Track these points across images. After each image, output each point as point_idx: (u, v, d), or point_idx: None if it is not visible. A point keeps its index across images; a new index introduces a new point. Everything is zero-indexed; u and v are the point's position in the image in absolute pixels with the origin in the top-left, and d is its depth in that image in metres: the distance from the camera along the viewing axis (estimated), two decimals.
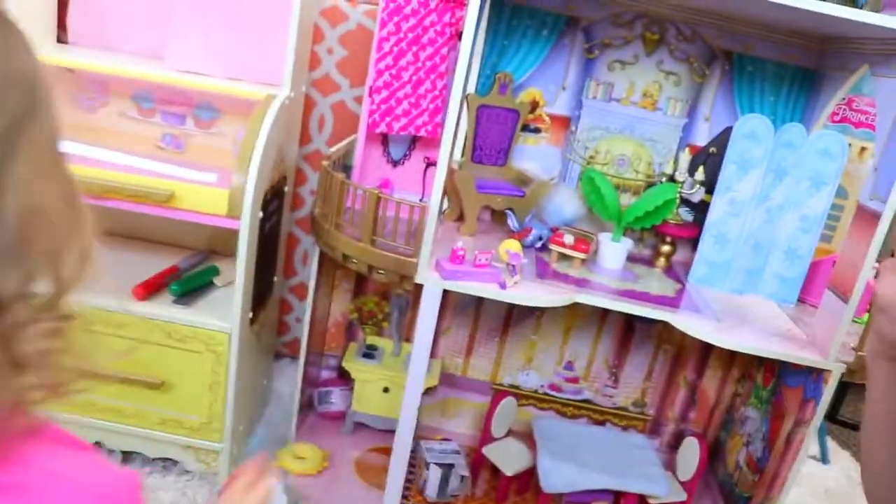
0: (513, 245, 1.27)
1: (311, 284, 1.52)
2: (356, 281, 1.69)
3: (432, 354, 1.68)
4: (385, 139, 1.58)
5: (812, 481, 1.98)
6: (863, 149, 1.45)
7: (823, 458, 2.11)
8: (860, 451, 0.88)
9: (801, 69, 1.52)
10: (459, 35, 1.49)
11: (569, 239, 1.40)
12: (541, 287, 1.29)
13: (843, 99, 1.48)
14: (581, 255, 1.40)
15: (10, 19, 0.47)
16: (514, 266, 1.26)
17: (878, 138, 1.23)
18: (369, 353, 1.66)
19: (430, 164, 1.59)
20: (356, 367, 1.63)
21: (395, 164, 1.60)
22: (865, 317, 1.74)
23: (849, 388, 2.42)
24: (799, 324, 1.37)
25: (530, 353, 1.70)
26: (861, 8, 1.34)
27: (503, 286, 1.25)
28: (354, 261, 1.31)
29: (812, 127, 1.49)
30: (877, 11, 1.26)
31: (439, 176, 1.22)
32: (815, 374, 1.29)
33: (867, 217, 1.21)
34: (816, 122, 1.48)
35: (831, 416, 2.45)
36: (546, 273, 1.36)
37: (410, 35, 1.43)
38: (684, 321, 1.27)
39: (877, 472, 0.85)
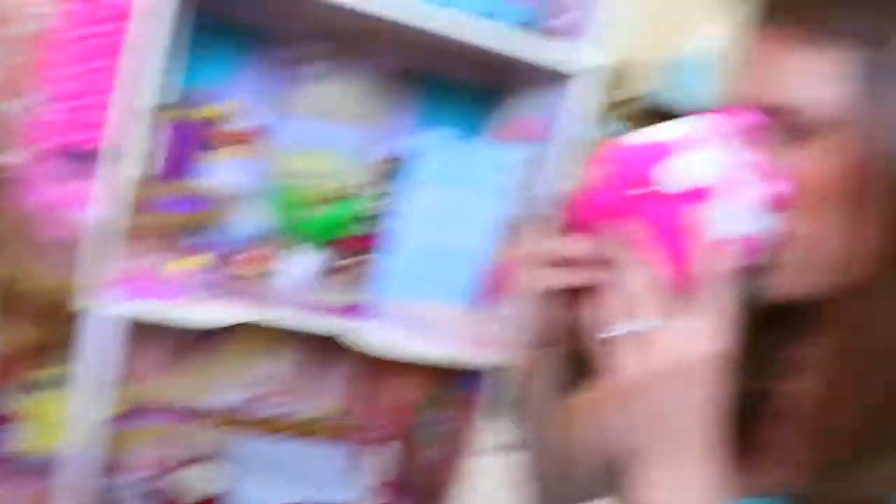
0: (188, 262, 1.23)
1: None
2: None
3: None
4: (66, 154, 1.48)
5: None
6: (533, 160, 1.56)
7: None
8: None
9: (482, 86, 1.61)
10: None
11: (250, 253, 1.39)
12: (215, 303, 1.26)
13: (521, 115, 1.59)
14: (263, 270, 1.39)
15: None
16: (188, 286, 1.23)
17: (541, 150, 1.32)
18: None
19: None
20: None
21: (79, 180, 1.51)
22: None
23: None
24: (475, 326, 1.44)
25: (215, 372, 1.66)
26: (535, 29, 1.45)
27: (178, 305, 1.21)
28: None
29: (492, 141, 1.58)
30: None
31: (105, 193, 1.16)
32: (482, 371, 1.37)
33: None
34: (496, 136, 1.57)
35: None
36: (220, 288, 1.33)
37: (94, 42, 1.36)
38: (368, 333, 1.29)
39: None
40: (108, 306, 1.18)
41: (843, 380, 0.61)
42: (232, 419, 1.68)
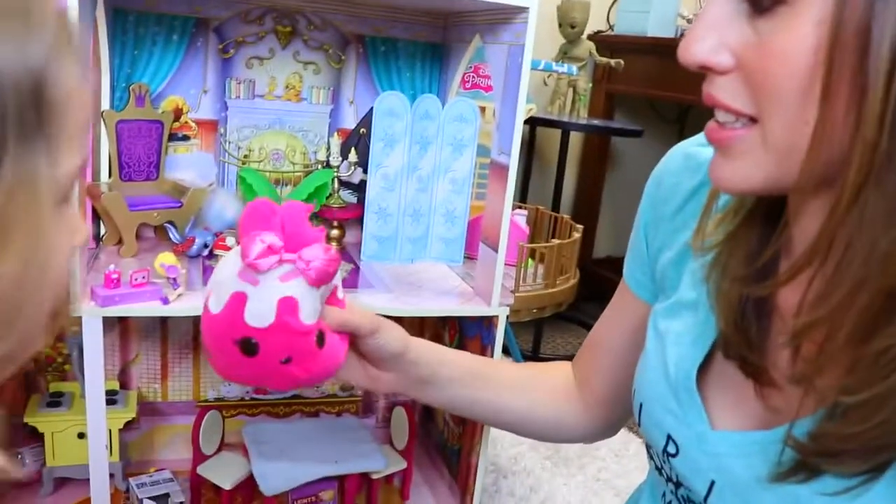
0: (167, 258, 1.23)
1: None
2: None
3: (125, 386, 1.60)
4: None
5: None
6: (494, 111, 1.58)
7: None
8: None
9: (430, 45, 1.62)
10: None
11: (231, 241, 1.39)
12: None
13: (470, 67, 1.60)
14: None
15: None
16: (174, 279, 1.22)
17: (495, 98, 1.33)
18: (55, 400, 1.54)
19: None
20: (41, 418, 1.50)
21: None
22: (529, 263, 1.90)
23: (543, 324, 2.64)
24: (467, 279, 1.47)
25: None
26: None
27: (165, 301, 1.21)
28: None
29: (447, 97, 1.59)
30: None
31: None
32: (486, 322, 1.39)
33: (499, 170, 1.31)
34: (450, 91, 1.59)
35: (534, 354, 2.66)
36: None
37: None
38: (359, 298, 1.30)
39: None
40: (94, 312, 1.17)
41: (837, 287, 0.57)
42: (246, 406, 1.69)
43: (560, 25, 2.87)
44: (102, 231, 1.47)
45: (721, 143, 0.62)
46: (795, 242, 0.67)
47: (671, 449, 0.77)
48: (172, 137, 1.52)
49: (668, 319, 0.82)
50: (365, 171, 1.55)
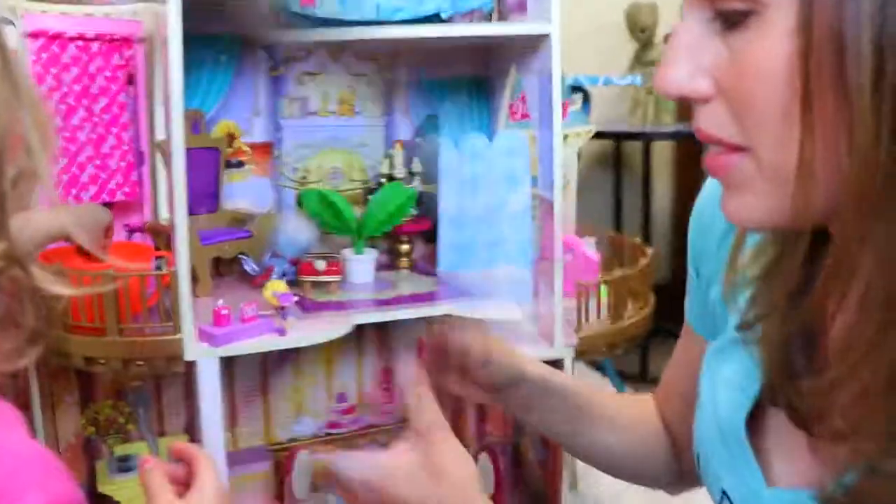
0: (279, 286, 1.15)
1: (37, 414, 1.24)
2: (80, 389, 1.42)
3: (194, 439, 1.48)
4: None
5: None
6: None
7: None
8: None
9: (474, 77, 1.58)
10: (131, 78, 1.32)
11: (320, 265, 1.31)
12: (316, 321, 1.18)
13: (517, 95, 1.56)
14: (336, 278, 1.32)
15: None
16: (284, 308, 1.14)
17: (535, 129, 1.31)
18: (124, 465, 1.41)
19: (133, 230, 1.39)
20: (115, 485, 1.37)
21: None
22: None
23: (649, 345, 2.57)
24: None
25: (298, 399, 1.56)
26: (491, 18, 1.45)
27: (282, 332, 1.13)
28: (102, 361, 1.09)
29: (496, 121, 1.55)
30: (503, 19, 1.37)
31: (180, 236, 1.05)
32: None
33: (546, 205, 1.28)
34: (498, 122, 1.54)
35: (642, 378, 2.61)
36: (310, 307, 1.25)
37: (77, 87, 1.22)
38: (469, 309, 1.24)
39: None
40: (211, 353, 1.08)
41: (863, 332, 0.50)
42: (321, 442, 1.59)
43: (631, 32, 2.85)
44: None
45: (720, 173, 0.56)
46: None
47: None
48: (227, 165, 1.42)
49: (719, 361, 0.74)
50: (423, 182, 1.49)
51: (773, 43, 0.49)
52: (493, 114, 1.58)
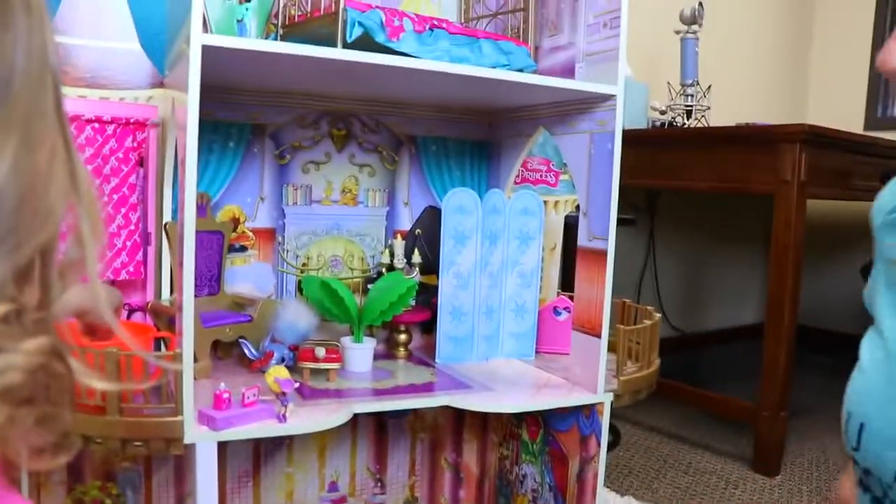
0: (281, 372, 1.14)
1: (24, 493, 1.22)
2: (69, 468, 1.40)
3: None
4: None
5: None
6: (545, 202, 1.59)
7: None
8: None
9: (477, 142, 1.62)
10: (142, 160, 1.34)
11: (320, 352, 1.31)
12: (315, 409, 1.18)
13: (526, 159, 1.62)
14: (336, 366, 1.32)
15: None
16: (285, 394, 1.14)
17: (579, 187, 1.34)
18: None
19: (134, 309, 1.39)
20: None
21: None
22: None
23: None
24: (549, 371, 1.43)
25: (289, 487, 1.54)
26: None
27: (283, 419, 1.12)
28: (99, 440, 1.08)
29: (502, 192, 1.59)
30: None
31: (187, 316, 1.06)
32: (585, 411, 1.35)
33: (592, 256, 1.31)
34: (504, 187, 1.58)
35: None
36: (308, 393, 1.25)
37: (90, 167, 1.25)
38: (465, 400, 1.25)
39: None
40: (210, 437, 1.07)
41: None
42: None
43: None
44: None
45: None
46: None
47: None
48: (230, 249, 1.44)
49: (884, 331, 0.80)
50: (422, 272, 1.51)
51: None
52: (495, 179, 1.62)
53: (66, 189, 0.48)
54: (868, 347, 0.82)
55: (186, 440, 1.06)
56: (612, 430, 2.42)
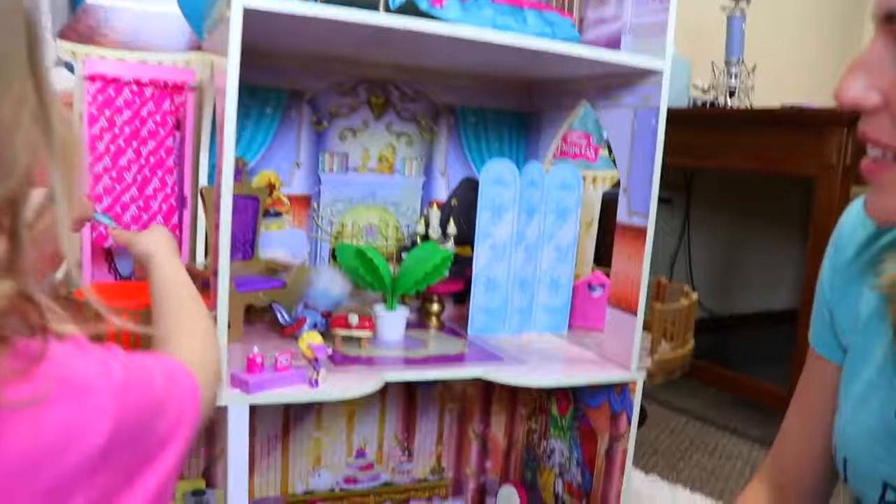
0: (314, 337, 1.14)
1: None
2: None
3: (211, 484, 1.47)
4: (109, 254, 1.35)
5: None
6: (584, 177, 1.57)
7: None
8: None
9: (516, 113, 1.60)
10: (179, 124, 1.34)
11: (354, 319, 1.31)
12: (346, 376, 1.18)
13: (567, 133, 1.60)
14: (368, 334, 1.32)
15: None
16: (318, 360, 1.14)
17: (620, 162, 1.32)
18: None
19: None
20: None
21: (124, 280, 1.38)
22: None
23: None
24: (582, 346, 1.42)
25: (317, 452, 1.55)
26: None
27: (314, 384, 1.12)
28: None
29: (541, 165, 1.57)
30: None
31: (222, 281, 1.06)
32: (617, 389, 1.34)
33: (631, 233, 1.29)
34: (543, 160, 1.56)
35: None
36: (340, 360, 1.25)
37: (128, 129, 1.25)
38: (497, 373, 1.24)
39: None
40: (242, 400, 1.07)
41: None
42: (337, 498, 1.57)
43: None
44: None
45: (872, 176, 0.67)
46: None
47: (890, 497, 0.73)
48: (265, 214, 1.44)
49: (859, 368, 0.79)
50: (457, 244, 1.50)
51: None
52: (534, 152, 1.60)
53: (34, 141, 0.47)
54: None
55: (219, 402, 1.07)
56: (640, 409, 2.42)
